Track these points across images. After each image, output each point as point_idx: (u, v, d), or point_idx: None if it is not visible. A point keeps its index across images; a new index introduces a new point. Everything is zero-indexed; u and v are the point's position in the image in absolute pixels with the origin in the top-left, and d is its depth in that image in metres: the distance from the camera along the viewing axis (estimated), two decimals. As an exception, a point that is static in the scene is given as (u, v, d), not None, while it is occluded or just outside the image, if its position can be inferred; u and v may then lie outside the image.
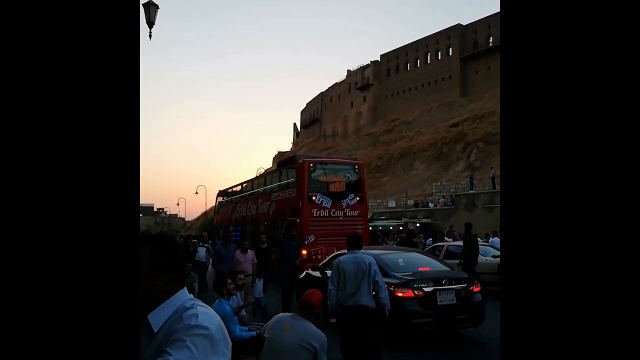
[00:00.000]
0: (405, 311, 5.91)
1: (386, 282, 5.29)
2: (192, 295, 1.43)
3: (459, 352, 6.11)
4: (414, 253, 7.88)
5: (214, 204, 26.77)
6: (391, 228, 23.76)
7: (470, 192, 28.91)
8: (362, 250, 5.28)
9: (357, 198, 13.53)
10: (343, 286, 4.87)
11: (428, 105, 58.83)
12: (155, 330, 1.34)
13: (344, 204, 13.22)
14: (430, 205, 31.57)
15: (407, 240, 12.92)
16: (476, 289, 6.40)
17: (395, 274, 6.33)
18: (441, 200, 32.27)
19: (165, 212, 74.07)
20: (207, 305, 1.41)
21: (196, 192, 58.21)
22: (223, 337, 1.31)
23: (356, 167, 14.21)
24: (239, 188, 20.63)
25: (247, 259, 8.81)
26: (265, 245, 9.76)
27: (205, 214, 51.83)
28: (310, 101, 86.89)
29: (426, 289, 6.05)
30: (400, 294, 5.96)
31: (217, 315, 1.37)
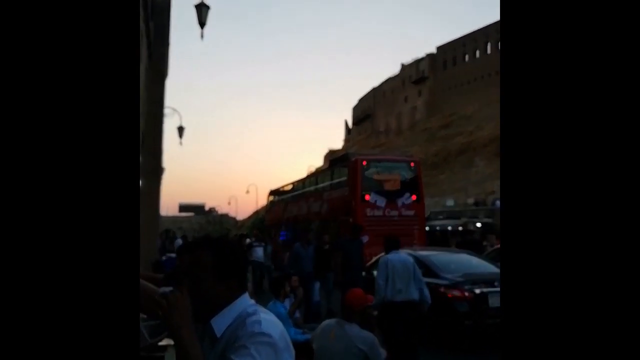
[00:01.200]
0: (457, 312, 6.02)
1: (436, 283, 6.02)
2: (254, 301, 1.44)
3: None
4: (464, 254, 7.85)
5: (264, 203, 26.90)
6: (449, 228, 22.59)
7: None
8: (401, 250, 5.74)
9: (414, 197, 13.03)
10: (392, 283, 5.09)
11: (488, 98, 56.09)
12: (218, 335, 1.35)
13: (399, 204, 12.81)
14: (497, 203, 29.78)
15: (467, 242, 12.13)
16: None
17: (445, 275, 6.41)
18: (503, 198, 30.40)
19: (216, 212, 76.21)
20: (269, 312, 1.43)
21: (247, 191, 59.59)
22: (286, 345, 1.34)
23: (412, 164, 13.75)
24: (290, 187, 20.54)
25: (308, 255, 8.58)
26: (328, 246, 9.03)
27: (256, 212, 52.55)
28: (363, 97, 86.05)
29: (477, 291, 6.06)
30: (451, 295, 6.09)
31: (280, 323, 1.39)
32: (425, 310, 5.24)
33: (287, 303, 5.30)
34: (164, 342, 2.47)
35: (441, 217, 28.44)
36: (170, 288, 1.36)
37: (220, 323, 1.36)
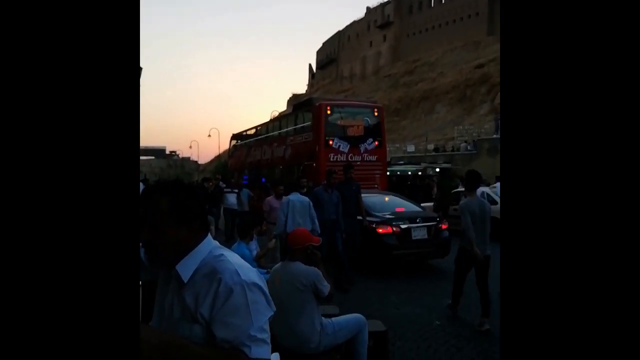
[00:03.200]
0: (385, 244, 7.28)
1: (369, 220, 7.31)
2: (217, 242, 1.44)
3: (428, 278, 7.33)
4: (393, 196, 9.17)
5: (227, 148, 26.53)
6: (409, 173, 23.19)
7: (495, 136, 27.76)
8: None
9: (376, 143, 13.21)
10: (292, 217, 6.46)
11: (452, 44, 56.06)
12: (185, 280, 1.33)
13: (362, 149, 12.95)
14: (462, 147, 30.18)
15: (415, 186, 13.09)
16: (444, 227, 7.81)
17: (377, 213, 7.66)
18: (462, 145, 31.24)
19: (177, 155, 74.58)
20: (231, 251, 1.41)
21: (209, 135, 57.49)
22: (262, 280, 1.36)
23: (375, 110, 13.77)
24: (253, 131, 20.29)
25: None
26: (306, 190, 8.08)
27: (218, 157, 51.89)
28: (327, 40, 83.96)
29: (402, 226, 7.40)
30: (381, 230, 7.31)
31: (246, 263, 1.38)
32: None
33: (252, 245, 5.35)
34: None
35: (402, 162, 29.04)
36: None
37: (186, 267, 1.34)
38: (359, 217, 7.27)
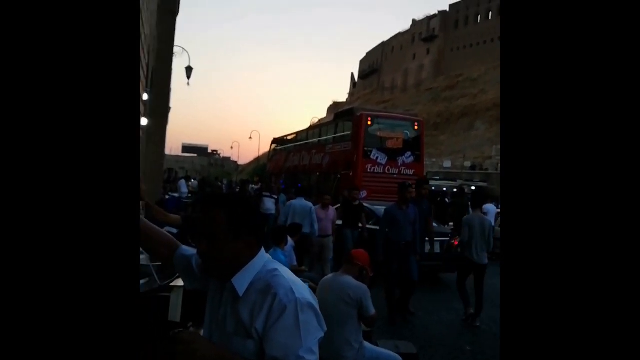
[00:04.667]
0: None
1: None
2: (269, 256, 1.43)
3: (436, 289, 7.88)
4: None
5: (266, 150, 27.07)
6: (444, 189, 23.01)
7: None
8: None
9: (414, 157, 13.09)
10: (292, 219, 7.15)
11: (496, 62, 55.04)
12: (241, 294, 1.33)
13: (400, 162, 12.94)
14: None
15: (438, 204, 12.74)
16: (455, 243, 7.83)
17: None
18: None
19: (219, 155, 76.16)
20: (284, 267, 1.41)
21: (250, 137, 59.13)
22: (315, 299, 1.35)
23: (416, 124, 13.72)
24: (293, 137, 20.60)
25: (329, 217, 7.57)
26: (358, 202, 8.13)
27: (257, 159, 52.71)
28: (371, 51, 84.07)
29: None
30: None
31: (301, 281, 1.38)
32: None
33: (286, 251, 5.44)
34: (172, 283, 2.52)
35: (438, 177, 28.77)
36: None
37: (242, 281, 1.34)
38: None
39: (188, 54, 18.47)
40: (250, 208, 1.44)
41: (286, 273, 1.38)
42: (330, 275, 3.47)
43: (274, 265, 1.40)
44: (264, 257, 1.42)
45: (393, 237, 5.79)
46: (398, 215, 5.84)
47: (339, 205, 8.61)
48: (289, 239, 5.83)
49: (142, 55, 2.51)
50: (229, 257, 1.35)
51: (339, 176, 13.81)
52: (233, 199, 1.43)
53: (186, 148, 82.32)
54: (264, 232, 1.54)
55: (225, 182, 28.72)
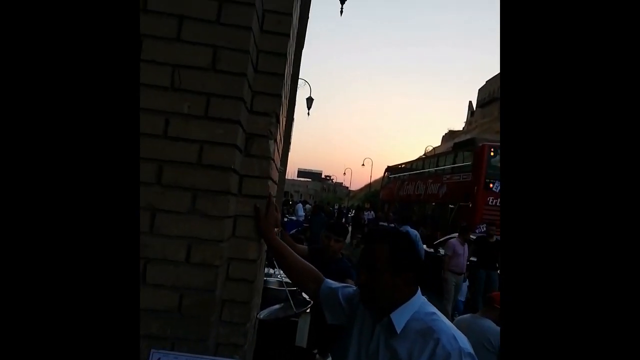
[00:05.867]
0: None
1: None
2: (425, 298, 1.44)
3: None
4: None
5: (377, 177, 27.09)
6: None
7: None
8: None
9: None
10: None
11: None
12: (398, 331, 1.34)
13: None
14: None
15: None
16: None
17: None
18: None
19: (331, 180, 78.40)
20: (441, 314, 1.41)
21: (362, 164, 59.78)
22: (472, 349, 1.34)
23: None
24: (408, 165, 20.42)
25: (466, 253, 7.18)
26: (495, 239, 7.42)
27: (369, 185, 52.96)
28: (491, 79, 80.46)
29: None
30: None
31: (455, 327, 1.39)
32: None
33: None
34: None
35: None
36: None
37: (400, 318, 1.36)
38: None
39: (309, 86, 19.45)
40: (411, 244, 1.45)
41: (444, 318, 1.39)
42: (467, 316, 3.30)
43: (431, 309, 1.41)
44: (420, 297, 1.43)
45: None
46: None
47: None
48: None
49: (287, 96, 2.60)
50: (387, 290, 1.37)
51: (456, 207, 13.30)
52: (397, 234, 1.47)
53: (301, 173, 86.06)
54: (423, 271, 1.54)
55: (336, 206, 29.23)
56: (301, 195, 30.62)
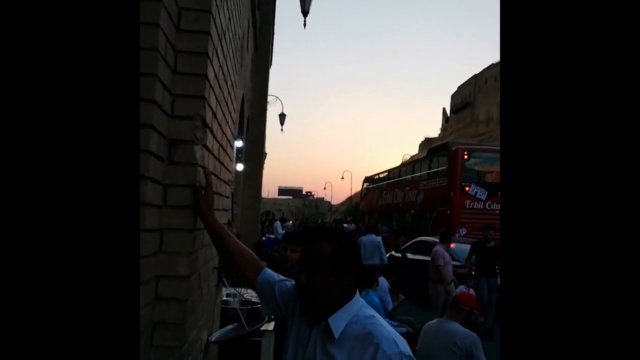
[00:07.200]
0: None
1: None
2: (364, 301, 1.38)
3: None
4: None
5: (358, 190, 27.09)
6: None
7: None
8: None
9: None
10: (363, 252, 7.31)
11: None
12: (337, 336, 1.27)
13: None
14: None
15: None
16: None
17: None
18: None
19: (312, 196, 78.40)
20: (381, 317, 1.35)
21: (342, 177, 60.14)
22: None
23: None
24: (385, 174, 20.50)
25: (450, 261, 6.88)
26: (493, 244, 7.06)
27: (350, 198, 53.02)
28: (462, 84, 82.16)
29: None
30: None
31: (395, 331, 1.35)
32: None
33: (379, 291, 5.22)
34: (263, 328, 2.47)
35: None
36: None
37: (338, 322, 1.28)
38: None
39: (281, 102, 19.44)
40: (355, 245, 1.39)
41: (384, 322, 1.33)
42: (434, 321, 3.19)
43: (370, 312, 1.34)
44: (359, 300, 1.36)
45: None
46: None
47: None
48: (385, 280, 5.56)
49: (233, 104, 2.47)
50: (327, 292, 1.29)
51: (435, 213, 13.31)
52: (339, 234, 1.37)
53: (282, 191, 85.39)
54: (363, 272, 1.42)
55: (318, 222, 29.11)
56: (283, 213, 30.46)
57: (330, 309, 1.30)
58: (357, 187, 29.33)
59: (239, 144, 8.49)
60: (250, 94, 13.07)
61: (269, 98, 16.26)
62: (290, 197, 78.96)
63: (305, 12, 10.79)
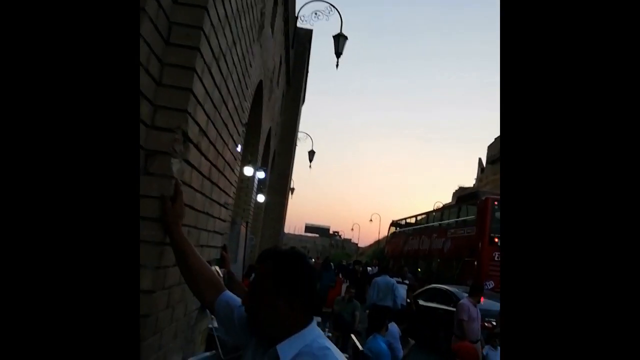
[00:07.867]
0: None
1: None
2: (320, 331, 1.31)
3: None
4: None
5: (386, 234, 26.65)
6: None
7: None
8: None
9: None
10: (377, 292, 8.16)
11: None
12: None
13: None
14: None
15: None
16: None
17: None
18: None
19: (339, 236, 77.62)
20: (335, 347, 1.27)
21: (370, 220, 59.38)
22: None
23: None
24: (413, 220, 20.13)
25: (479, 316, 6.21)
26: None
27: (377, 242, 52.19)
28: (499, 136, 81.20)
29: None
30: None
31: None
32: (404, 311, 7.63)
33: (388, 336, 5.01)
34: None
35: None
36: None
37: (287, 350, 1.22)
38: None
39: (311, 139, 19.71)
40: (298, 266, 1.29)
41: (339, 354, 1.25)
42: None
43: (326, 343, 1.26)
44: (314, 330, 1.28)
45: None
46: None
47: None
48: (396, 326, 5.32)
49: (236, 128, 2.50)
50: (269, 314, 1.24)
51: (461, 263, 12.86)
52: (285, 254, 1.32)
53: (309, 228, 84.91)
54: (314, 299, 1.33)
55: (342, 262, 28.71)
56: (308, 251, 30.22)
57: (278, 334, 1.24)
58: (385, 231, 28.92)
59: (260, 175, 8.52)
60: (279, 128, 13.31)
61: (300, 134, 16.48)
62: (317, 235, 78.01)
63: (338, 54, 11.10)
